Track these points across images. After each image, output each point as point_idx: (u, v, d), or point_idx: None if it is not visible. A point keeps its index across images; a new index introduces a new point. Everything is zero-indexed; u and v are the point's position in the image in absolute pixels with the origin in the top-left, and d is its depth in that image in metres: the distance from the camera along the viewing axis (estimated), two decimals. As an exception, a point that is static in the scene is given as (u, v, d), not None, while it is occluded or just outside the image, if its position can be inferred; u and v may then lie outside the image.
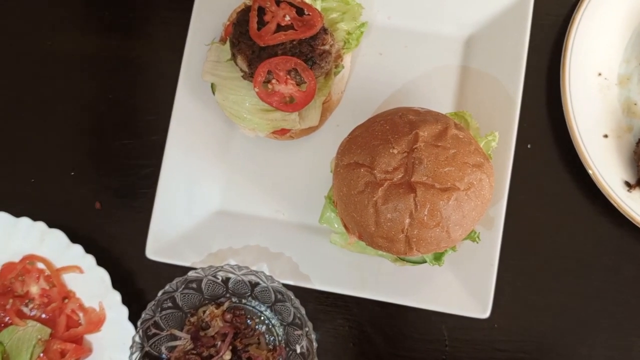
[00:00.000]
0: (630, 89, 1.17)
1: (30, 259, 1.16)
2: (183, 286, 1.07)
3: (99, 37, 1.24)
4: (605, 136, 1.16)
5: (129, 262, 1.19)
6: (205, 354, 1.10)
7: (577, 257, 1.16)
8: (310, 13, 1.04)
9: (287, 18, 1.04)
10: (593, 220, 1.17)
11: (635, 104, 1.17)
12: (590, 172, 1.12)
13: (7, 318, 1.15)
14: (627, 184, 1.14)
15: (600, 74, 1.17)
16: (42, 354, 1.14)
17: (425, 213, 0.92)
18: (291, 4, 1.05)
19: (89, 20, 1.25)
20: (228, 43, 1.08)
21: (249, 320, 1.14)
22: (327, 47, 1.06)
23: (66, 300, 1.16)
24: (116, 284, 1.13)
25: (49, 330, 1.15)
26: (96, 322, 1.14)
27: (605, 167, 1.13)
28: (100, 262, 1.14)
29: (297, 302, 1.04)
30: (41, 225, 1.15)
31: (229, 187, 1.17)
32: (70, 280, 1.16)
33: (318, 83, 1.08)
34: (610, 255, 1.16)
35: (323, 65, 1.06)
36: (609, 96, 1.17)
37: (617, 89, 1.17)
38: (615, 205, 1.12)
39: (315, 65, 1.05)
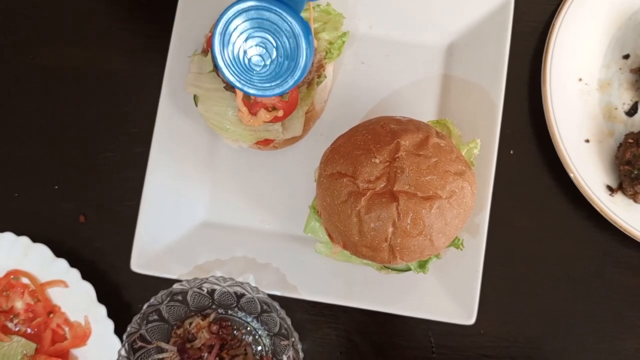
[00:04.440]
0: (610, 94, 1.18)
1: (14, 274, 1.15)
2: (168, 299, 1.07)
3: (81, 50, 1.24)
4: (587, 141, 1.16)
5: (114, 276, 1.19)
6: (192, 366, 1.10)
7: (562, 262, 1.17)
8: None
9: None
10: (576, 224, 1.18)
11: (615, 109, 1.18)
12: (572, 176, 1.13)
13: (-8, 334, 1.15)
14: (610, 188, 1.15)
15: (580, 80, 1.18)
16: (28, 370, 1.13)
17: (408, 222, 0.93)
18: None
19: (70, 33, 1.25)
20: (210, 54, 1.08)
21: (235, 332, 1.14)
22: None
23: (51, 315, 1.15)
24: (101, 298, 1.13)
25: (34, 346, 1.14)
26: (82, 336, 1.14)
27: (587, 171, 1.14)
28: (85, 276, 1.13)
29: (282, 313, 1.04)
30: (25, 239, 1.14)
31: (213, 198, 1.17)
32: (55, 295, 1.15)
33: (300, 93, 1.08)
34: (594, 259, 1.17)
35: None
36: (589, 101, 1.18)
37: (597, 94, 1.18)
38: (597, 209, 1.13)
39: (298, 76, 1.06)
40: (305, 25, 0.83)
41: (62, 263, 1.13)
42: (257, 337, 1.14)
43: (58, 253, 1.14)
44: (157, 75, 1.16)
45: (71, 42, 1.25)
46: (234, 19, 0.83)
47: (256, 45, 0.84)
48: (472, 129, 1.12)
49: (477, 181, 1.02)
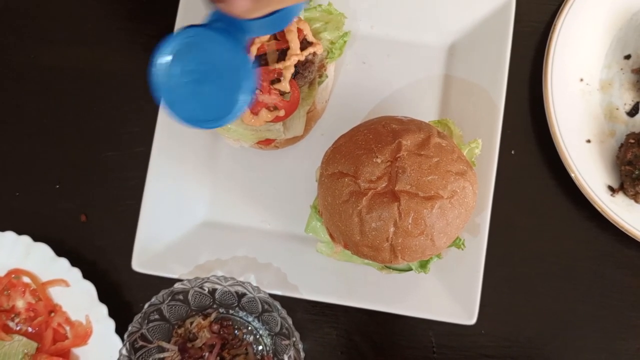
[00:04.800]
0: (612, 94, 1.18)
1: (15, 273, 1.15)
2: (169, 298, 1.07)
3: (82, 49, 1.24)
4: (588, 141, 1.16)
5: (115, 275, 1.18)
6: (192, 365, 1.10)
7: (562, 262, 1.17)
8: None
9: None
10: (577, 225, 1.18)
11: (617, 109, 1.18)
12: (573, 177, 1.13)
13: (-7, 333, 1.15)
14: (611, 188, 1.15)
15: (582, 80, 1.18)
16: (28, 369, 1.13)
17: (410, 222, 0.93)
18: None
19: (71, 33, 1.25)
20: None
21: (236, 331, 1.14)
22: (310, 56, 1.06)
23: (52, 314, 1.15)
24: (103, 297, 1.13)
25: (35, 345, 1.14)
26: (83, 335, 1.14)
27: (588, 172, 1.14)
28: (86, 275, 1.13)
29: (284, 312, 1.04)
30: (26, 239, 1.14)
31: (214, 198, 1.17)
32: (56, 294, 1.15)
33: (302, 93, 1.08)
34: (595, 259, 1.17)
35: (306, 75, 1.07)
36: (591, 102, 1.18)
37: (599, 94, 1.18)
38: (599, 209, 1.13)
39: (299, 75, 1.06)
40: (244, 58, 0.79)
41: (63, 262, 1.13)
42: (258, 336, 1.14)
43: (59, 252, 1.14)
44: (159, 74, 1.16)
45: (72, 42, 1.25)
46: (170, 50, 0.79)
47: (193, 73, 0.79)
48: (473, 129, 1.12)
49: (479, 181, 1.02)
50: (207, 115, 0.80)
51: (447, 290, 1.10)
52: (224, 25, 0.78)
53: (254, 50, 1.03)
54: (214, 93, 0.79)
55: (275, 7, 0.77)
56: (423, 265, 1.04)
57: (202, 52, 0.78)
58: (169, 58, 0.79)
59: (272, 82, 1.04)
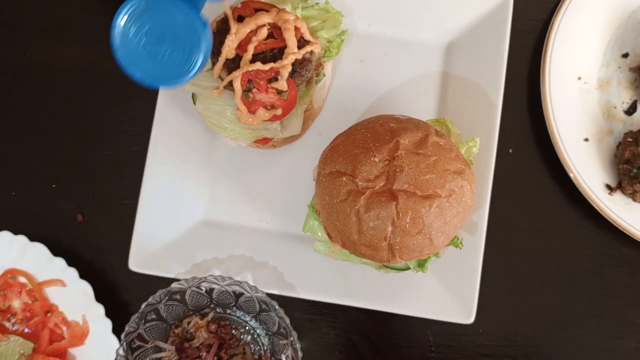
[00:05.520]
0: (610, 93, 1.18)
1: (11, 273, 1.15)
2: (166, 298, 1.06)
3: (78, 48, 1.24)
4: (586, 140, 1.16)
5: (112, 275, 1.18)
6: (190, 365, 1.10)
7: (560, 261, 1.17)
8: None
9: (267, 27, 1.04)
10: (575, 223, 1.17)
11: (615, 108, 1.18)
12: (571, 175, 1.13)
13: (-11, 333, 1.14)
14: (609, 187, 1.15)
15: (580, 78, 1.17)
16: (25, 369, 1.13)
17: (407, 221, 0.92)
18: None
19: (68, 31, 1.24)
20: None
21: (233, 331, 1.14)
22: (307, 55, 1.06)
23: (49, 314, 1.15)
24: (99, 297, 1.12)
25: (32, 345, 1.14)
26: (79, 335, 1.13)
27: (586, 170, 1.14)
28: (83, 275, 1.13)
29: (281, 312, 1.04)
30: (22, 238, 1.14)
31: (211, 197, 1.16)
32: (53, 294, 1.15)
33: (299, 91, 1.08)
34: (593, 258, 1.17)
35: (304, 73, 1.06)
36: (589, 100, 1.18)
37: (597, 92, 1.18)
38: (597, 208, 1.13)
39: (296, 74, 1.05)
40: (200, 21, 0.84)
41: (60, 262, 1.13)
42: (255, 336, 1.14)
43: (56, 252, 1.14)
44: (155, 73, 1.15)
45: (69, 40, 1.24)
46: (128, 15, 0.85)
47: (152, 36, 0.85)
48: (471, 128, 1.12)
49: (476, 180, 1.01)
50: (164, 74, 0.86)
51: (445, 289, 1.10)
52: None
53: (250, 49, 1.02)
54: (172, 54, 0.85)
55: None
56: (421, 265, 1.04)
57: (160, 14, 0.84)
58: (126, 19, 0.85)
59: (270, 81, 1.03)
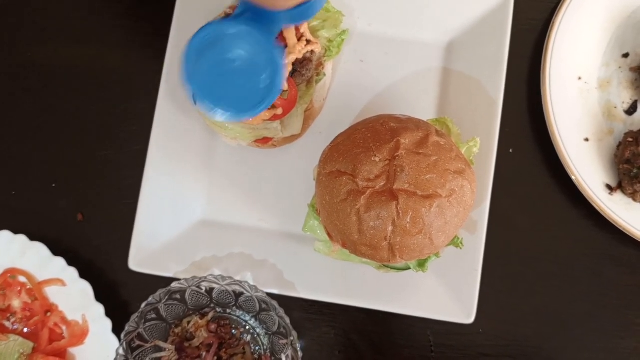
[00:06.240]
0: (610, 93, 1.18)
1: (11, 273, 1.14)
2: (166, 297, 1.06)
3: (78, 47, 1.23)
4: (587, 140, 1.16)
5: (112, 274, 1.18)
6: (190, 365, 1.10)
7: (560, 261, 1.17)
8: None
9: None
10: (575, 223, 1.17)
11: (615, 107, 1.18)
12: (572, 176, 1.13)
13: (-11, 333, 1.14)
14: (609, 187, 1.15)
15: (580, 78, 1.17)
16: (25, 368, 1.13)
17: (408, 220, 0.92)
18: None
19: (68, 31, 1.24)
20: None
21: (233, 330, 1.13)
22: (307, 55, 1.05)
23: (49, 314, 1.15)
24: (99, 296, 1.12)
25: (31, 344, 1.14)
26: (79, 335, 1.13)
27: (586, 170, 1.14)
28: (83, 275, 1.12)
29: (281, 312, 1.04)
30: (22, 238, 1.13)
31: (211, 197, 1.16)
32: (53, 294, 1.15)
33: (299, 91, 1.08)
34: (593, 258, 1.17)
35: (304, 73, 1.06)
36: (589, 100, 1.17)
37: (597, 92, 1.18)
38: (597, 208, 1.13)
39: (297, 73, 1.05)
40: (275, 51, 0.80)
41: (60, 261, 1.13)
42: (255, 336, 1.13)
43: (55, 251, 1.13)
44: (156, 72, 1.15)
45: (69, 40, 1.24)
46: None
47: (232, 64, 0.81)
48: (472, 128, 1.11)
49: (477, 180, 1.01)
50: (237, 107, 0.82)
51: (445, 289, 1.10)
52: (252, 16, 0.79)
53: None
54: (245, 85, 0.81)
55: None
56: (421, 264, 1.04)
57: (233, 44, 0.79)
58: (197, 55, 0.80)
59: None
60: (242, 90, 0.82)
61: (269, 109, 1.05)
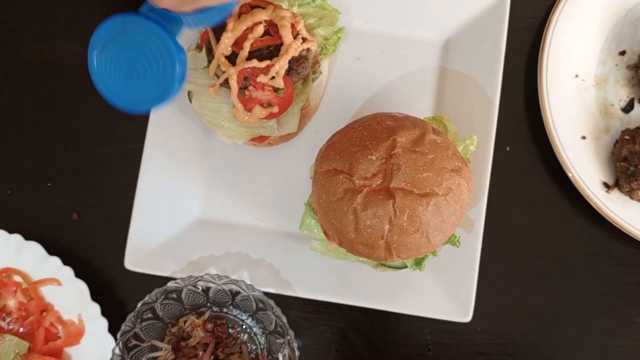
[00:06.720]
0: (607, 91, 1.18)
1: (6, 272, 1.14)
2: (163, 297, 1.06)
3: (74, 46, 1.23)
4: (583, 138, 1.16)
5: (108, 273, 1.18)
6: (186, 364, 1.09)
7: (558, 259, 1.17)
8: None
9: (263, 24, 1.03)
10: (573, 221, 1.17)
11: (612, 105, 1.18)
12: (569, 174, 1.13)
13: (-16, 333, 1.14)
14: (606, 184, 1.14)
15: (577, 76, 1.17)
16: (20, 368, 1.12)
17: (405, 219, 0.92)
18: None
19: (64, 29, 1.24)
20: (204, 50, 1.07)
21: (230, 330, 1.13)
22: (304, 52, 1.05)
23: (44, 313, 1.14)
24: (95, 296, 1.12)
25: (27, 344, 1.13)
26: (75, 334, 1.13)
27: (583, 168, 1.14)
28: (78, 274, 1.12)
29: (278, 311, 1.04)
30: (17, 237, 1.13)
31: (208, 195, 1.16)
32: (48, 293, 1.14)
33: (296, 89, 1.07)
34: (591, 256, 1.17)
35: (300, 70, 1.06)
36: (586, 98, 1.17)
37: (594, 90, 1.18)
38: (594, 206, 1.12)
39: (293, 71, 1.05)
40: (175, 46, 0.83)
41: (55, 261, 1.12)
42: (252, 335, 1.13)
43: (51, 251, 1.13)
44: (151, 71, 1.15)
45: (64, 38, 1.24)
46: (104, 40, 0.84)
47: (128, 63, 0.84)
48: (469, 126, 1.11)
49: (474, 178, 1.01)
50: (141, 99, 0.86)
51: (442, 287, 1.10)
52: (156, 16, 0.83)
53: (246, 46, 1.02)
54: (147, 79, 0.84)
55: (203, 4, 0.80)
56: (418, 263, 1.04)
57: (136, 39, 0.83)
58: (102, 45, 0.84)
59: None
60: (144, 84, 0.84)
61: (264, 107, 1.05)
